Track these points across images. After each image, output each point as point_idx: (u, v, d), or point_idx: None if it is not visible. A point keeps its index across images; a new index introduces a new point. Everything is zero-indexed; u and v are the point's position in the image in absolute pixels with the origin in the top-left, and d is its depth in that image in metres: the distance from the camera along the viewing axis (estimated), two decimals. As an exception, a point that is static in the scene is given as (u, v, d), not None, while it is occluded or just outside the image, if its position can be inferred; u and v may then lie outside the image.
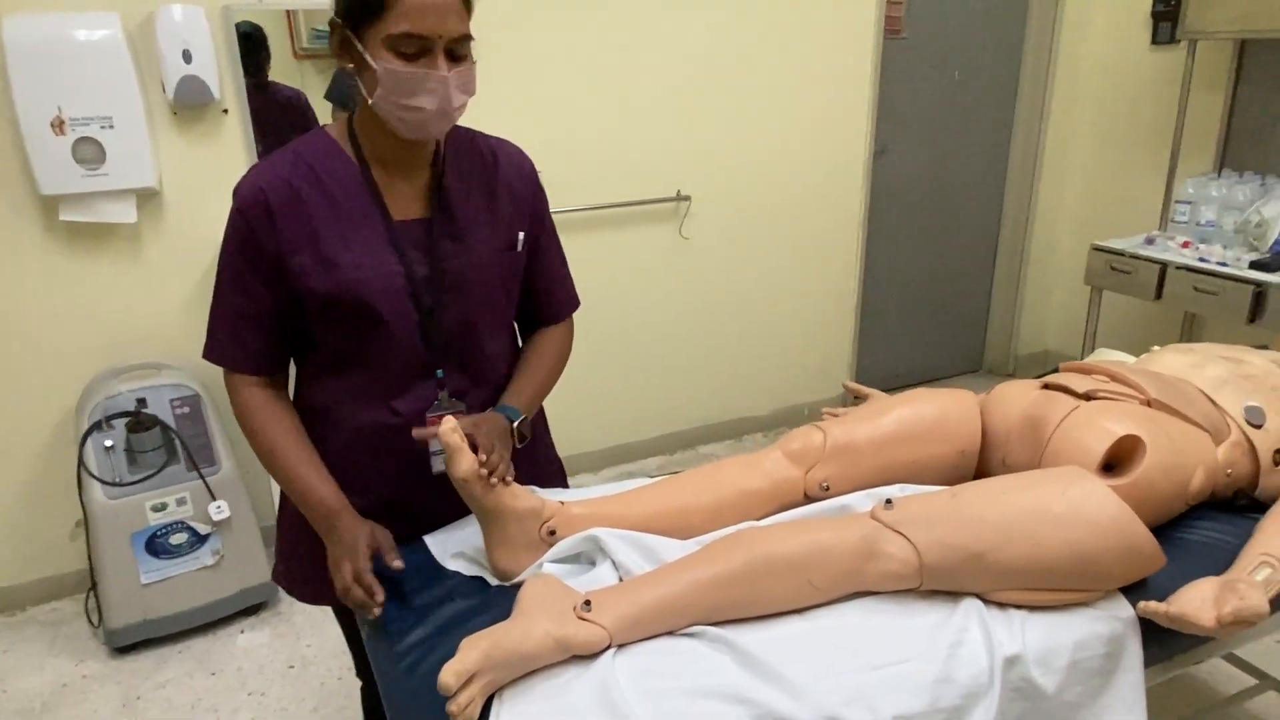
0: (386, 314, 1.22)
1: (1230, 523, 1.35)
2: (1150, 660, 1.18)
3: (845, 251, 3.57)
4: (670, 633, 1.11)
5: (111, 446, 2.36)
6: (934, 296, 3.99)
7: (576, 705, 1.00)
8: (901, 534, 1.15)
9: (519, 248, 1.34)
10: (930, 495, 1.23)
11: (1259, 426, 1.40)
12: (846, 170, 3.45)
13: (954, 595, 1.16)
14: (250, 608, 2.55)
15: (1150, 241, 3.15)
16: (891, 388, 2.23)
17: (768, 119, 3.23)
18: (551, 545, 1.23)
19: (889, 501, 1.20)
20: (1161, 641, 1.19)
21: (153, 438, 2.39)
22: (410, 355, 1.27)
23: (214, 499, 2.41)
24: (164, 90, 2.37)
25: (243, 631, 2.51)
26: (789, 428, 1.78)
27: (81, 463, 2.33)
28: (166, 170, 2.47)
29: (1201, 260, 2.92)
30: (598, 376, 3.18)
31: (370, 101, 1.15)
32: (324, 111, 2.61)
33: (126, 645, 2.41)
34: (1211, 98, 3.29)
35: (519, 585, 1.15)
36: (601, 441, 3.34)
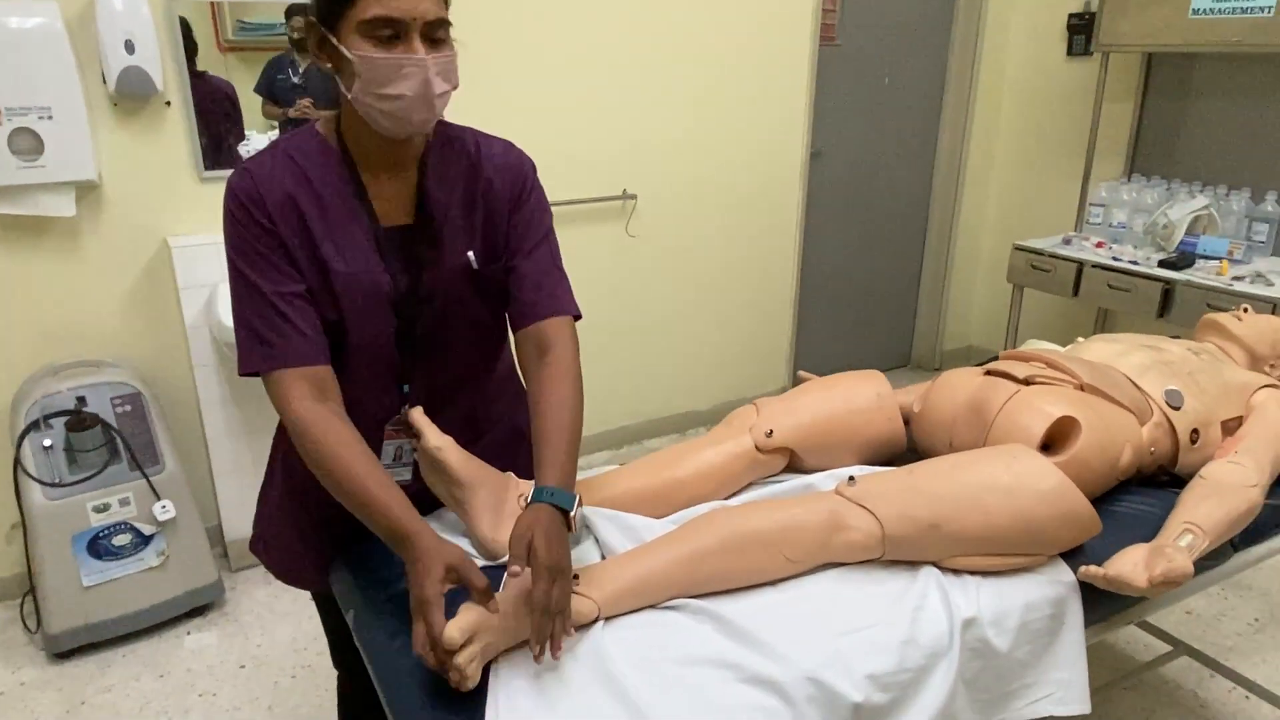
0: (367, 322, 1.21)
1: (1155, 496, 1.47)
2: (1090, 621, 1.29)
3: (784, 251, 3.69)
4: (653, 606, 1.17)
5: (50, 446, 2.29)
6: (866, 294, 4.14)
7: (573, 677, 1.04)
8: (865, 507, 1.24)
9: (498, 257, 1.27)
10: (889, 473, 1.33)
11: (1178, 408, 1.54)
12: (785, 172, 3.57)
13: (913, 564, 1.25)
14: (197, 609, 2.50)
15: (1067, 242, 3.34)
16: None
17: (710, 121, 3.31)
18: None
19: (852, 479, 1.30)
20: (1099, 603, 1.30)
21: (94, 437, 2.33)
22: (383, 366, 1.26)
23: (159, 499, 2.37)
24: (104, 81, 2.32)
25: (189, 633, 2.46)
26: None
27: (18, 463, 2.26)
28: (107, 163, 2.41)
29: (1114, 259, 3.12)
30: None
31: (350, 97, 1.12)
32: (252, 105, 2.56)
33: (67, 650, 2.34)
34: (1122, 107, 3.51)
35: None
36: (548, 437, 3.36)
